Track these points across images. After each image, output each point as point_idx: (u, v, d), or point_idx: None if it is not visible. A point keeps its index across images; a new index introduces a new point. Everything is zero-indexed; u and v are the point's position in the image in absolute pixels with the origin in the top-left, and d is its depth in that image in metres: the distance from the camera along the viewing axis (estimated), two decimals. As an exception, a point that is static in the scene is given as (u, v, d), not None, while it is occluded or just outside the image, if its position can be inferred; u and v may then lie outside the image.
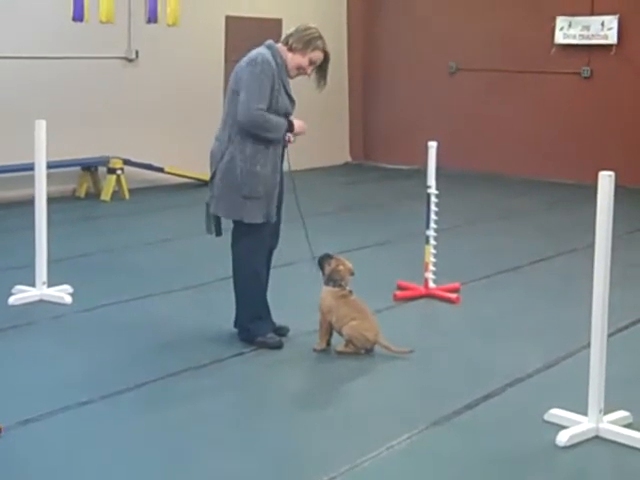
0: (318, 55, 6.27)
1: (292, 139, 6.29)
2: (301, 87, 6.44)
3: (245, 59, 6.20)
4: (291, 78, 6.31)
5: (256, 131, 6.10)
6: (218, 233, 6.39)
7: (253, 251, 6.26)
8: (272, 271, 6.54)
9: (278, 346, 6.26)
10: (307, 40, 6.22)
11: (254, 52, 6.22)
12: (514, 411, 5.32)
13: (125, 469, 4.53)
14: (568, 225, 10.84)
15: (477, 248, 9.67)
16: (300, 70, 6.28)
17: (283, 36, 6.33)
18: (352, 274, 6.33)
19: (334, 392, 5.68)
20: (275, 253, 6.52)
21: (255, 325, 6.30)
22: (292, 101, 6.29)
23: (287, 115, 6.24)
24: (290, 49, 6.23)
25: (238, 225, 6.28)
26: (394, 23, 15.72)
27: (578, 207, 11.44)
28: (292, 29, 6.33)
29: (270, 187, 6.20)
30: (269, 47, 6.24)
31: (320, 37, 6.28)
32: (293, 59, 6.23)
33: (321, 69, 6.33)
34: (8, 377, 5.69)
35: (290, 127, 6.23)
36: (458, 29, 15.01)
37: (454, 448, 4.84)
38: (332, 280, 6.26)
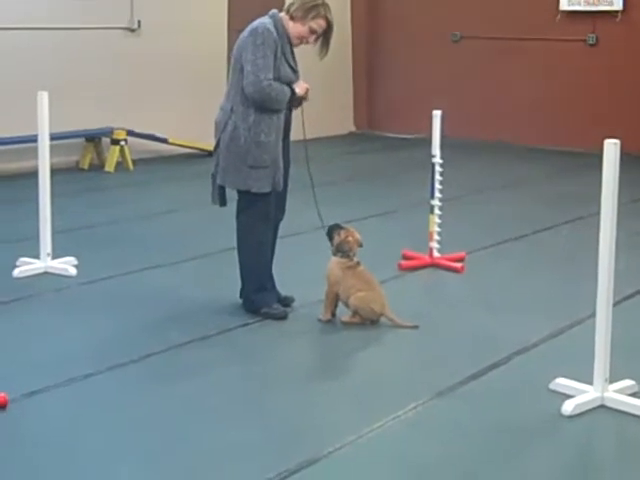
0: (320, 23, 6.18)
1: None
2: (304, 56, 6.38)
3: (247, 29, 6.16)
4: (295, 47, 6.25)
5: (264, 103, 6.06)
6: (222, 203, 6.38)
7: (258, 222, 6.24)
8: (278, 241, 6.53)
9: (283, 317, 6.26)
10: (308, 8, 6.14)
11: (256, 22, 6.16)
12: (519, 381, 5.32)
13: (131, 441, 4.55)
14: (573, 193, 10.80)
15: (482, 217, 9.65)
16: (302, 39, 6.21)
17: (286, 4, 6.28)
18: (360, 245, 6.30)
19: (339, 363, 5.69)
20: (281, 224, 6.51)
21: (260, 296, 6.30)
22: (295, 72, 6.23)
23: (289, 84, 6.19)
24: (291, 17, 6.17)
25: (243, 195, 6.25)
26: (398, -9, 15.62)
27: (583, 175, 11.38)
28: None
29: (275, 155, 6.18)
30: (271, 16, 6.19)
31: (322, 4, 6.19)
32: (294, 28, 6.17)
33: (324, 37, 6.25)
34: (13, 349, 5.70)
35: (293, 94, 6.18)
36: (462, -3, 14.92)
37: (460, 418, 4.84)
38: (340, 251, 6.24)
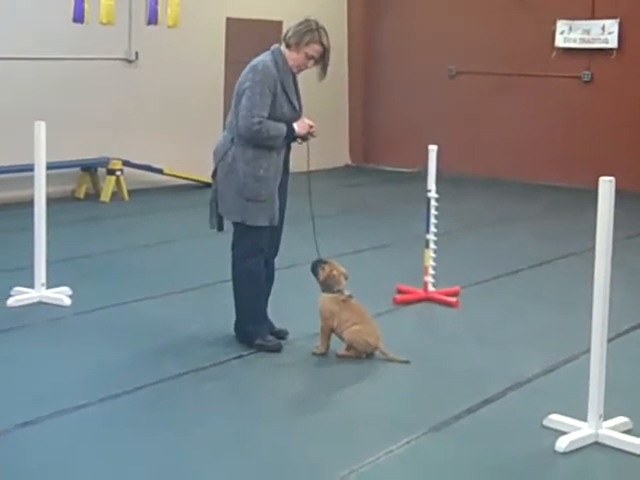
0: (315, 48, 6.14)
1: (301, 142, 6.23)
2: (301, 89, 6.38)
3: (248, 65, 6.17)
4: (296, 73, 6.23)
5: (253, 140, 6.06)
6: (220, 228, 6.37)
7: (252, 253, 6.23)
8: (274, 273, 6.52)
9: (277, 349, 6.25)
10: (302, 34, 6.12)
11: (257, 58, 6.18)
12: (513, 416, 5.30)
13: (121, 473, 4.51)
14: (568, 229, 10.82)
15: (477, 252, 9.66)
16: (300, 66, 6.20)
17: (283, 33, 6.27)
18: (346, 278, 6.30)
19: (333, 396, 5.66)
20: (277, 257, 6.49)
21: (254, 327, 6.29)
22: (296, 109, 6.20)
23: (290, 122, 6.16)
24: (287, 46, 6.16)
25: (238, 227, 6.26)
26: (394, 27, 15.71)
27: (578, 211, 11.43)
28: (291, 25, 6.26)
29: (273, 190, 6.18)
30: (272, 52, 6.19)
31: (317, 29, 6.15)
32: (290, 56, 6.15)
33: (321, 61, 6.19)
34: (6, 380, 5.67)
35: (291, 131, 6.16)
36: (458, 32, 14.99)
37: (453, 453, 4.82)
38: (327, 285, 6.23)
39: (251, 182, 6.10)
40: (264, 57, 6.16)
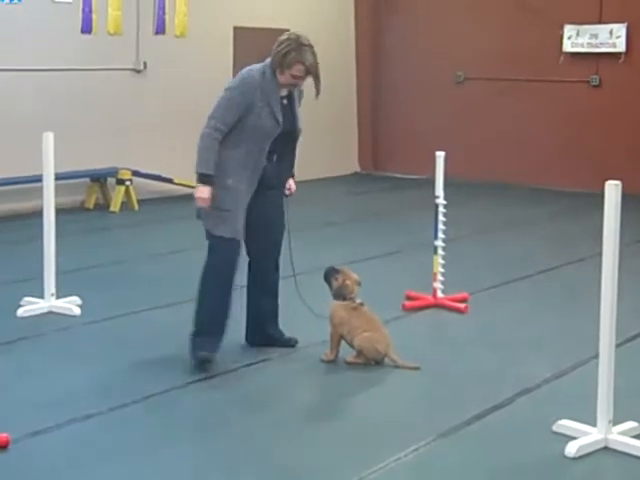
0: (298, 68, 5.94)
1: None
2: (308, 97, 6.37)
3: None
4: (290, 90, 6.11)
5: (198, 144, 6.00)
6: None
7: (219, 266, 6.06)
8: (280, 282, 6.51)
9: (200, 365, 6.04)
10: (282, 55, 5.93)
11: (249, 67, 6.10)
12: (523, 422, 5.30)
13: (133, 481, 4.53)
14: (576, 234, 10.81)
15: (485, 258, 9.66)
16: (290, 86, 6.07)
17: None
18: (359, 284, 6.31)
19: (342, 403, 5.67)
20: (281, 264, 6.49)
21: (199, 339, 6.08)
22: (277, 122, 6.00)
23: (268, 135, 6.00)
24: (273, 68, 6.00)
25: (209, 236, 6.13)
26: (402, 33, 15.72)
27: (585, 216, 11.41)
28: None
29: (241, 203, 6.02)
30: (264, 64, 6.04)
31: (297, 48, 5.92)
32: (279, 77, 6.00)
33: (312, 77, 6.00)
34: (17, 389, 5.70)
35: (203, 180, 5.97)
36: (465, 38, 15.01)
37: (462, 459, 4.82)
38: (341, 295, 6.24)
39: (217, 190, 5.96)
40: (255, 66, 6.06)
